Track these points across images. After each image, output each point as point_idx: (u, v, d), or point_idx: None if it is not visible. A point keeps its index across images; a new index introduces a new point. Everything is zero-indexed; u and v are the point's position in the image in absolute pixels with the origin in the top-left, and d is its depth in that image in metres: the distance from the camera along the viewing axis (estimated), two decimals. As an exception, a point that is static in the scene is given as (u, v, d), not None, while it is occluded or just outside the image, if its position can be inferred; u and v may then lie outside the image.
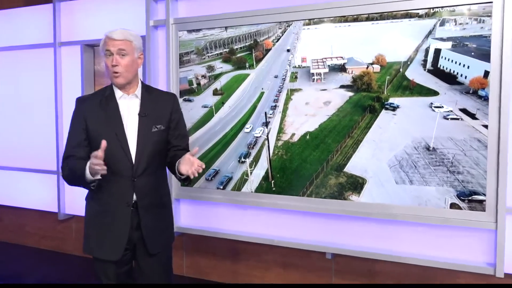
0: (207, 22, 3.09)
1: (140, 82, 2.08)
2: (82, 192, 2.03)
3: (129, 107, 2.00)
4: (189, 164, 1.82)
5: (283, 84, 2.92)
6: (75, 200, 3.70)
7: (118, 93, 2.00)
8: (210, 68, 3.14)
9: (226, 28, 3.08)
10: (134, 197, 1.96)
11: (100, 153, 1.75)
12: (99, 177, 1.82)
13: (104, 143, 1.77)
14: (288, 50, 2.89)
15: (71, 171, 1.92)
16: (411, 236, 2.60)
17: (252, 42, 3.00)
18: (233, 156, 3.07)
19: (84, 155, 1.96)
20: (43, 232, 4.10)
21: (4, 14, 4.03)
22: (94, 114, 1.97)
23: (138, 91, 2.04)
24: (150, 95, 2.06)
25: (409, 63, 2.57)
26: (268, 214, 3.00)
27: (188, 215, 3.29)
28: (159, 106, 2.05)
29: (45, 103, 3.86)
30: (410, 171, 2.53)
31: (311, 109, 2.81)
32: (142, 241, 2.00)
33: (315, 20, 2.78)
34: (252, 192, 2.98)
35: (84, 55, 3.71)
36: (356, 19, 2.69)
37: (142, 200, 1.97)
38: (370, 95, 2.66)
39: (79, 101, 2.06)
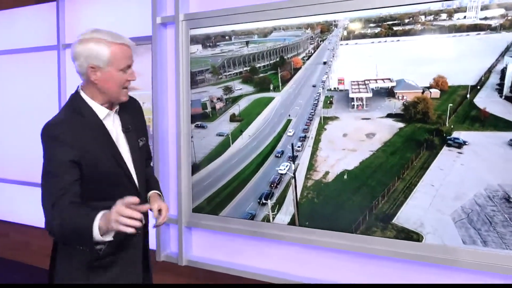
0: (223, 17, 2.60)
1: None
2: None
3: (113, 124, 1.68)
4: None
5: (314, 110, 2.39)
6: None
7: (101, 111, 1.63)
8: (228, 90, 2.66)
9: (247, 42, 2.60)
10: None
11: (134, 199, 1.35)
12: (110, 238, 1.38)
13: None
14: (324, 63, 2.37)
15: (66, 220, 1.42)
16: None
17: (278, 59, 2.50)
18: (252, 196, 2.54)
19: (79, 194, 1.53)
20: (48, 251, 3.70)
21: (3, 15, 3.79)
22: (86, 142, 1.56)
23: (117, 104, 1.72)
24: (121, 104, 1.72)
25: (479, 87, 2.01)
26: (299, 251, 2.47)
27: (202, 246, 2.84)
28: (134, 116, 1.77)
29: (49, 110, 3.50)
30: (483, 229, 1.94)
31: (350, 143, 2.27)
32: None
33: (356, 29, 2.26)
34: (279, 223, 2.46)
35: None
36: (407, 32, 2.16)
37: (146, 227, 1.74)
38: (427, 127, 2.10)
39: (55, 126, 1.58)
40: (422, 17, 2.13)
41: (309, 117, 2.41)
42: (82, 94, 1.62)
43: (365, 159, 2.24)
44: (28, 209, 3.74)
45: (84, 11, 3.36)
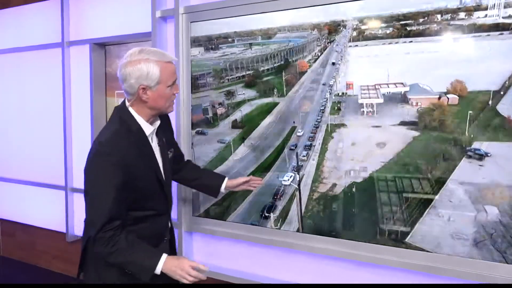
0: (225, 9, 2.45)
1: None
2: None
3: (153, 139, 1.76)
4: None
5: (321, 117, 2.23)
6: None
7: (147, 128, 1.70)
8: (230, 94, 2.52)
9: (250, 45, 2.45)
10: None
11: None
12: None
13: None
14: (333, 64, 2.21)
15: (125, 251, 1.55)
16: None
17: (282, 62, 2.35)
18: (254, 207, 2.38)
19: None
20: (54, 252, 3.74)
21: (7, 13, 3.75)
22: (133, 159, 1.62)
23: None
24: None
25: (502, 92, 1.82)
26: (303, 259, 2.31)
27: (203, 252, 2.71)
28: (165, 129, 1.84)
29: (52, 108, 3.51)
30: (509, 251, 1.75)
31: (360, 152, 2.10)
32: None
33: (366, 30, 2.09)
34: (292, 231, 2.30)
35: (93, 56, 3.26)
36: (421, 32, 1.98)
37: (172, 232, 1.93)
38: (444, 136, 1.92)
39: (107, 144, 1.58)
40: (438, 16, 1.95)
41: (315, 124, 2.25)
42: (131, 110, 1.66)
43: (376, 170, 2.06)
44: (34, 210, 3.71)
45: (88, 8, 3.29)
